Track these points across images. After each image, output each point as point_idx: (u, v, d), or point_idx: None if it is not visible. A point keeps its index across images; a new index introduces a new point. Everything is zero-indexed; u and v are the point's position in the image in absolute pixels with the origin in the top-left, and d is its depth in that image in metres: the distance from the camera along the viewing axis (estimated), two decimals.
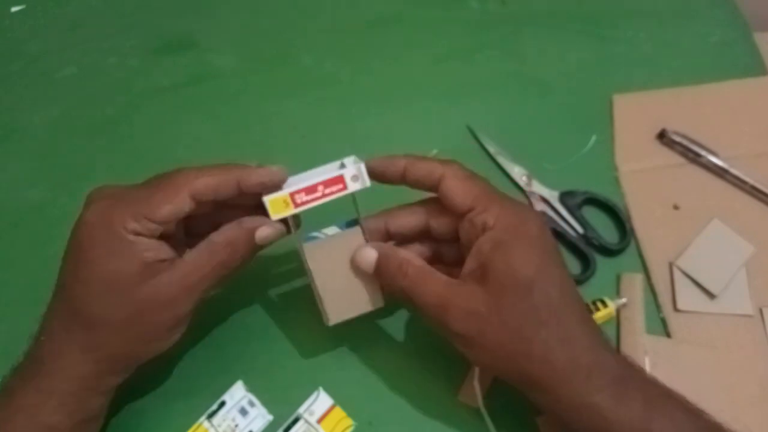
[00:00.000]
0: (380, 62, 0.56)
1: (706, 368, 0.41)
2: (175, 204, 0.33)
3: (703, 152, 0.49)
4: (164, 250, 0.35)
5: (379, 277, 0.36)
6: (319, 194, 0.34)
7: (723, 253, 0.45)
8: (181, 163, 0.50)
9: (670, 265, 0.45)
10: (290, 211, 0.34)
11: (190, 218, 0.35)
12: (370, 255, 0.36)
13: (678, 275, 0.44)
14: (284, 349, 0.42)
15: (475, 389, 0.38)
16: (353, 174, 0.34)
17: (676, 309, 0.43)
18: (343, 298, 0.37)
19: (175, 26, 0.58)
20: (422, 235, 0.38)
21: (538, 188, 0.48)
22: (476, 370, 0.38)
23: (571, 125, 0.52)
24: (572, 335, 0.32)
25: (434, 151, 0.50)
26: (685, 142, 0.50)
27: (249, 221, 0.36)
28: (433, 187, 0.36)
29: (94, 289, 0.33)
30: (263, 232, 0.35)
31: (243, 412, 0.40)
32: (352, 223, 0.37)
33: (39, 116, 0.53)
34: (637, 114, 0.52)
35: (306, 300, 0.44)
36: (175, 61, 0.56)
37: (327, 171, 0.36)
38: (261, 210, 0.35)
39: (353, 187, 0.35)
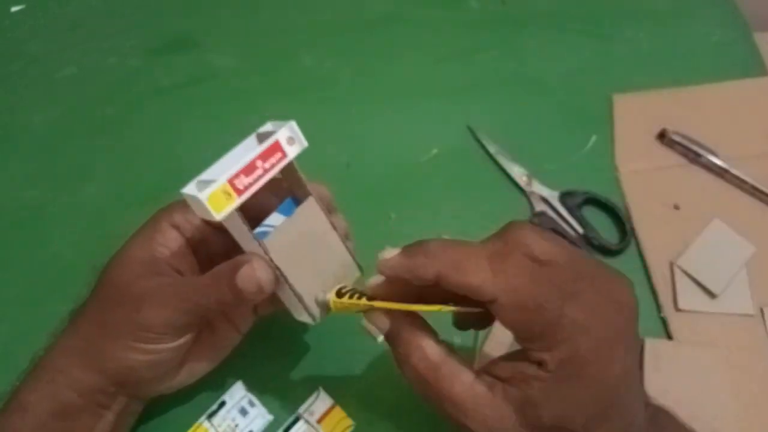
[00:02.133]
0: (380, 62, 0.56)
1: (706, 368, 0.41)
2: None
3: (703, 152, 0.49)
4: (183, 259, 0.34)
5: (397, 364, 0.31)
6: (260, 171, 0.29)
7: (724, 252, 0.45)
8: (181, 163, 0.50)
9: (671, 265, 0.45)
10: (236, 201, 0.28)
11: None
12: (380, 324, 0.31)
13: (679, 275, 0.44)
14: (284, 349, 0.42)
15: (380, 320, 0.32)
16: (288, 136, 0.29)
17: (677, 309, 0.43)
18: (319, 285, 0.32)
19: (175, 26, 0.58)
20: None
21: (538, 188, 0.48)
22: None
23: (571, 125, 0.52)
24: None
25: (434, 151, 0.50)
26: (685, 142, 0.50)
27: (231, 263, 0.31)
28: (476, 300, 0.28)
29: (110, 266, 0.33)
30: (242, 276, 0.30)
31: (243, 412, 0.40)
32: (297, 200, 0.32)
33: (39, 116, 0.53)
34: (637, 114, 0.52)
35: None
36: (175, 61, 0.56)
37: (248, 147, 0.30)
38: None
39: (293, 151, 0.30)
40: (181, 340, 0.33)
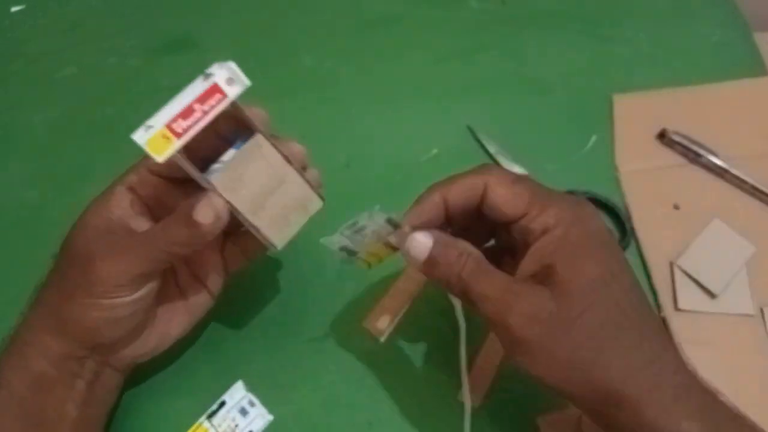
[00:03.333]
0: (380, 62, 0.56)
1: (706, 368, 0.41)
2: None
3: (703, 152, 0.49)
4: (137, 219, 0.35)
5: (430, 268, 0.32)
6: (199, 114, 0.29)
7: (724, 252, 0.45)
8: None
9: (671, 265, 0.45)
10: (175, 144, 0.29)
11: None
12: (424, 243, 0.32)
13: (679, 275, 0.44)
14: (284, 349, 0.42)
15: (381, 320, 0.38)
16: (227, 77, 0.29)
17: (676, 308, 0.43)
18: (278, 214, 0.33)
19: (175, 26, 0.58)
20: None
21: None
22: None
23: (571, 125, 0.52)
24: (654, 348, 0.29)
25: (434, 151, 0.50)
26: (685, 142, 0.50)
27: (189, 201, 0.32)
28: (477, 202, 0.32)
29: (69, 232, 0.35)
30: (200, 211, 0.31)
31: (243, 412, 0.40)
32: (246, 136, 0.33)
33: (39, 116, 0.53)
34: (637, 114, 0.52)
35: (306, 300, 0.44)
36: (175, 61, 0.56)
37: (190, 89, 0.30)
38: None
39: (233, 91, 0.30)
40: (139, 293, 0.33)
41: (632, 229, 0.47)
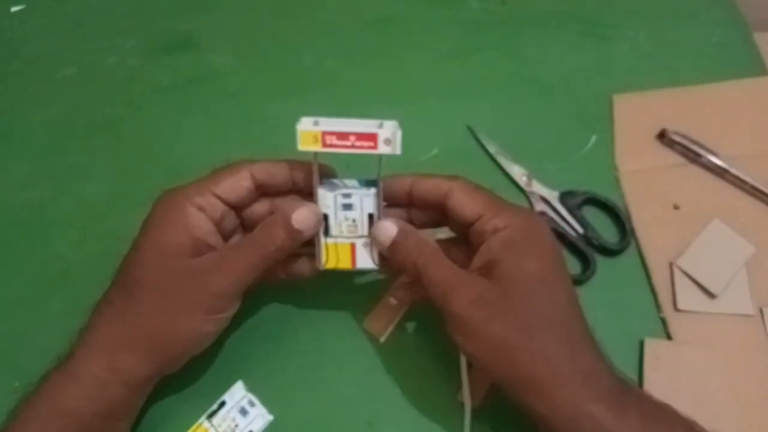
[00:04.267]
0: (380, 62, 0.56)
1: (706, 368, 0.41)
2: (237, 178, 0.36)
3: (703, 152, 0.49)
4: (215, 236, 0.36)
5: (393, 252, 0.36)
6: (348, 143, 0.34)
7: (723, 253, 0.45)
8: (181, 163, 0.50)
9: (671, 265, 0.45)
10: (317, 148, 0.34)
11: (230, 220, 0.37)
12: (389, 228, 0.36)
13: (678, 275, 0.44)
14: (284, 349, 0.42)
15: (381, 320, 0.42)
16: (386, 137, 0.34)
17: (676, 309, 0.43)
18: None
19: (175, 26, 0.58)
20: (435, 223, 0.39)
21: (538, 188, 0.48)
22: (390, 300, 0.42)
23: (571, 125, 0.52)
24: (575, 339, 0.33)
25: (434, 151, 0.50)
26: (685, 142, 0.50)
27: (283, 204, 0.37)
28: (440, 203, 0.37)
29: (143, 255, 0.35)
30: (300, 214, 0.35)
31: (243, 412, 0.40)
32: (371, 183, 0.37)
33: (39, 116, 0.53)
34: (637, 114, 0.52)
35: (306, 300, 0.44)
36: (175, 61, 0.56)
37: (363, 124, 0.35)
38: None
39: (383, 149, 0.34)
40: (240, 302, 0.36)
41: (632, 229, 0.47)
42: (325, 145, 0.34)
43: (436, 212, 0.38)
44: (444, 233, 0.40)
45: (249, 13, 0.59)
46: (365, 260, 0.38)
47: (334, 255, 0.38)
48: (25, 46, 0.57)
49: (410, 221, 0.39)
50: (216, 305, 0.35)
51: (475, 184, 0.37)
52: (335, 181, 0.37)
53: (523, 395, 0.32)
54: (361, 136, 0.34)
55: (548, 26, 0.58)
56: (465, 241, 0.37)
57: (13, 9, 0.60)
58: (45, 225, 0.48)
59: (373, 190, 0.37)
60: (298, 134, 0.34)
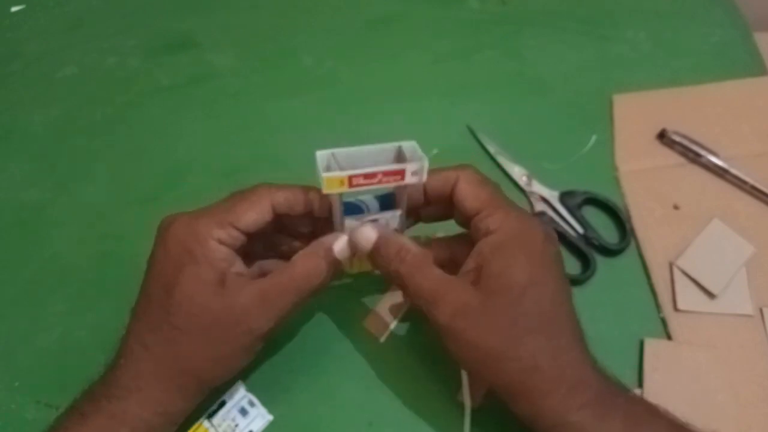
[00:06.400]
0: (380, 62, 0.56)
1: (706, 368, 0.41)
2: (258, 212, 0.35)
3: (703, 152, 0.49)
4: (240, 264, 0.36)
5: (375, 259, 0.36)
6: (375, 181, 0.33)
7: (723, 253, 0.45)
8: (181, 163, 0.50)
9: (671, 265, 0.45)
10: (343, 189, 0.33)
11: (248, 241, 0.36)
12: (369, 235, 0.36)
13: (678, 275, 0.44)
14: (284, 349, 0.42)
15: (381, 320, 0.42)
16: (415, 170, 0.34)
17: (676, 309, 0.43)
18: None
19: (175, 26, 0.58)
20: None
21: (538, 188, 0.48)
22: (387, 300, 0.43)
23: (571, 125, 0.52)
24: (561, 347, 0.32)
25: (434, 151, 0.50)
26: (685, 142, 0.50)
27: (325, 238, 0.36)
28: (449, 194, 0.36)
29: (176, 298, 0.33)
30: (339, 245, 0.36)
31: (243, 412, 0.40)
32: (386, 199, 0.37)
33: (39, 116, 0.53)
34: (637, 114, 0.52)
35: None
36: (175, 61, 0.56)
37: (382, 152, 0.35)
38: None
39: (411, 180, 0.34)
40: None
41: (632, 229, 0.47)
42: (352, 186, 0.33)
43: (446, 205, 0.37)
44: (443, 233, 0.40)
45: (249, 13, 0.60)
46: None
47: (357, 261, 0.39)
48: (25, 46, 0.57)
49: (418, 217, 0.39)
50: (258, 344, 0.35)
51: (482, 177, 0.36)
52: (354, 201, 0.37)
53: (511, 400, 0.33)
54: (388, 174, 0.33)
55: (548, 26, 0.58)
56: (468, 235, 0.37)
57: (13, 9, 0.60)
58: (45, 225, 0.48)
59: (398, 212, 0.37)
60: (323, 180, 0.32)
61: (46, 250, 0.47)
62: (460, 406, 0.39)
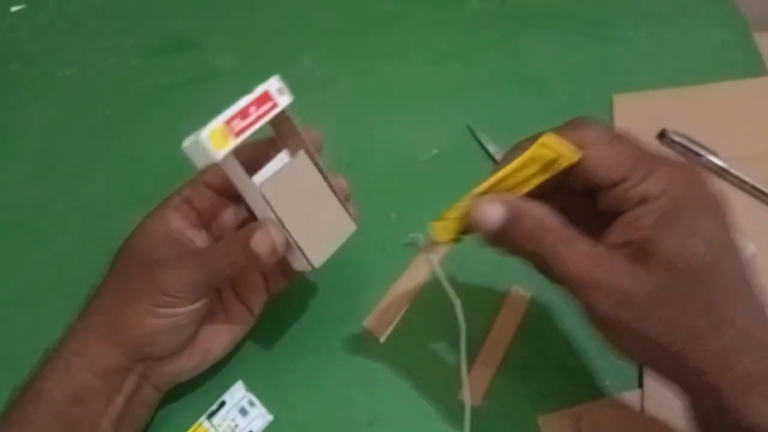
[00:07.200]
0: (380, 62, 0.56)
1: None
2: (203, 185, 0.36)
3: (703, 152, 0.49)
4: (197, 234, 0.36)
5: (503, 238, 0.29)
6: (253, 117, 0.31)
7: None
8: (181, 163, 0.50)
9: None
10: (232, 142, 0.30)
11: None
12: (494, 213, 0.29)
13: None
14: (284, 349, 0.42)
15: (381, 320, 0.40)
16: (277, 87, 0.32)
17: None
18: (316, 234, 0.34)
19: (175, 26, 0.58)
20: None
21: None
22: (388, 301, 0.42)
23: None
24: (757, 336, 0.27)
25: (434, 151, 0.50)
26: (685, 142, 0.50)
27: (243, 231, 0.33)
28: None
29: (123, 247, 0.36)
30: (257, 238, 0.32)
31: (243, 412, 0.40)
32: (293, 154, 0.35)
33: (39, 116, 0.53)
34: (637, 114, 0.52)
35: (307, 300, 0.44)
36: (175, 61, 0.56)
37: (246, 98, 0.32)
38: None
39: (283, 101, 0.32)
40: (197, 305, 0.34)
41: None
42: (237, 133, 0.30)
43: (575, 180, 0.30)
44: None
45: (249, 13, 0.59)
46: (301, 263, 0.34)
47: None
48: (25, 46, 0.57)
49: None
50: (159, 299, 0.33)
51: (611, 131, 0.29)
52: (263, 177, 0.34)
53: (687, 391, 0.28)
54: (257, 102, 0.31)
55: (548, 26, 0.58)
56: (580, 205, 0.30)
57: (13, 9, 0.60)
58: (45, 225, 0.48)
59: (302, 155, 0.35)
60: (205, 142, 0.30)
61: (46, 250, 0.47)
62: (460, 406, 0.39)
